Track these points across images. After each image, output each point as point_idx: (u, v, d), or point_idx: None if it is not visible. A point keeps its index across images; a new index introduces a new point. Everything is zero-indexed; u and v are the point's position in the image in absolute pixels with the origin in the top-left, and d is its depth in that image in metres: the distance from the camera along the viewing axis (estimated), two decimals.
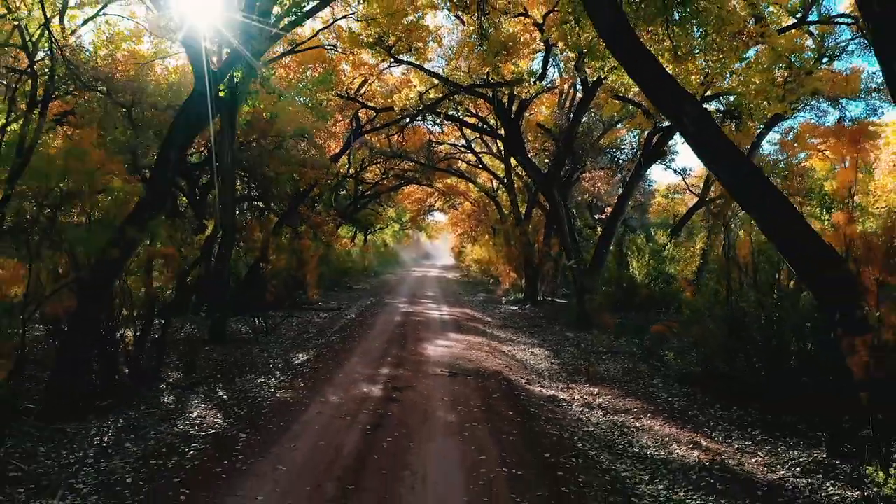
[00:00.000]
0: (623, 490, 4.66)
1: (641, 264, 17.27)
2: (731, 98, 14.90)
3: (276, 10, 8.02)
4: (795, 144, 21.25)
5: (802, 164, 20.79)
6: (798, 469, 5.04)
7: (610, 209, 18.60)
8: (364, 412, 6.59)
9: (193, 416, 6.76)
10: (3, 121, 12.24)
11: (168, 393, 7.75)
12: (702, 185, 21.57)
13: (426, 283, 30.97)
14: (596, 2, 5.71)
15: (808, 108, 18.90)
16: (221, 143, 10.38)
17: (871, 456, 4.51)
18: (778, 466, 5.15)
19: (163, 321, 8.72)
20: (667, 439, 5.92)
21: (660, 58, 9.19)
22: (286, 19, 8.04)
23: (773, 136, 22.26)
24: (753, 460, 5.32)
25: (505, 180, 21.30)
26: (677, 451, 5.59)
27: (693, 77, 9.44)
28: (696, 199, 21.62)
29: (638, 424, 6.45)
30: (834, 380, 5.72)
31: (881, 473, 4.32)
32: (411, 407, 6.79)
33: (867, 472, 4.46)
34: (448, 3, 12.77)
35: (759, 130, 17.68)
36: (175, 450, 5.57)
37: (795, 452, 5.43)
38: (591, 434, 6.12)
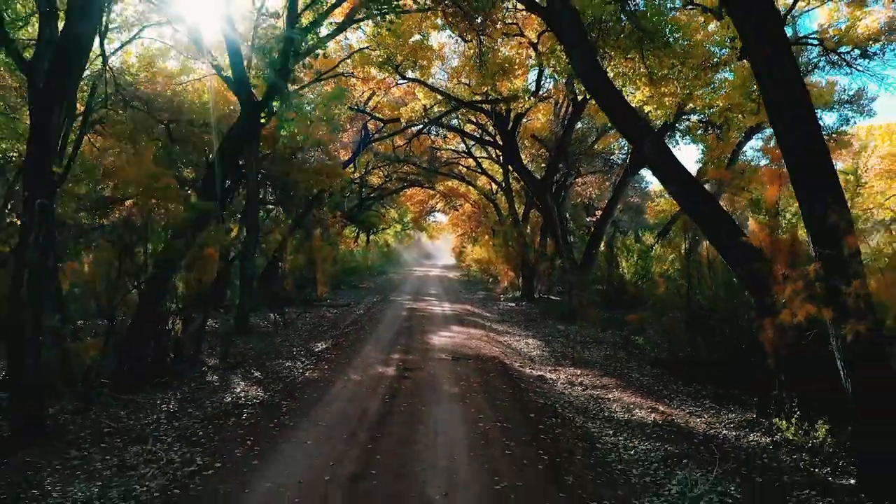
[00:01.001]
0: (590, 439, 5.97)
1: (630, 263, 18.54)
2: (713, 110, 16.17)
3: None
4: (777, 151, 22.57)
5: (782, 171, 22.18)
6: (731, 425, 6.35)
7: (600, 212, 19.86)
8: (382, 386, 7.89)
9: (237, 390, 8.05)
10: None
11: (210, 374, 9.04)
12: None
13: (428, 281, 32.23)
14: (573, 51, 6.99)
15: None
16: (248, 157, 11.66)
17: (779, 410, 5.81)
18: (716, 424, 6.45)
19: (193, 315, 10.02)
20: (632, 406, 7.22)
21: (637, 81, 10.53)
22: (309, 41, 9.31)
23: (758, 143, 23.63)
24: (698, 420, 6.62)
25: (503, 184, 22.59)
26: (639, 414, 6.89)
27: (667, 99, 10.73)
28: None
29: (610, 396, 7.75)
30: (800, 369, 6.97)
31: (784, 422, 5.61)
32: (421, 382, 8.09)
33: (775, 422, 5.76)
34: (450, 25, 14.03)
35: (739, 139, 18.99)
36: (231, 413, 6.87)
37: (733, 415, 6.74)
38: (570, 403, 7.41)
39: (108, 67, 10.69)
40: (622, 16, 9.37)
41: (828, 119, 20.22)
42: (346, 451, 5.41)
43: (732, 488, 4.71)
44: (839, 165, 29.56)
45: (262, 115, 7.65)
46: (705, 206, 6.50)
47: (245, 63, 9.02)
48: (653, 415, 6.82)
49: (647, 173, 29.10)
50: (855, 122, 19.04)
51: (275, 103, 7.62)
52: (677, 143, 18.01)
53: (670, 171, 6.63)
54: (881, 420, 4.42)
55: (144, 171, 7.86)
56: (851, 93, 18.25)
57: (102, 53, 11.04)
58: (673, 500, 4.54)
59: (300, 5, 8.19)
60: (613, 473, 5.07)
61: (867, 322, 4.14)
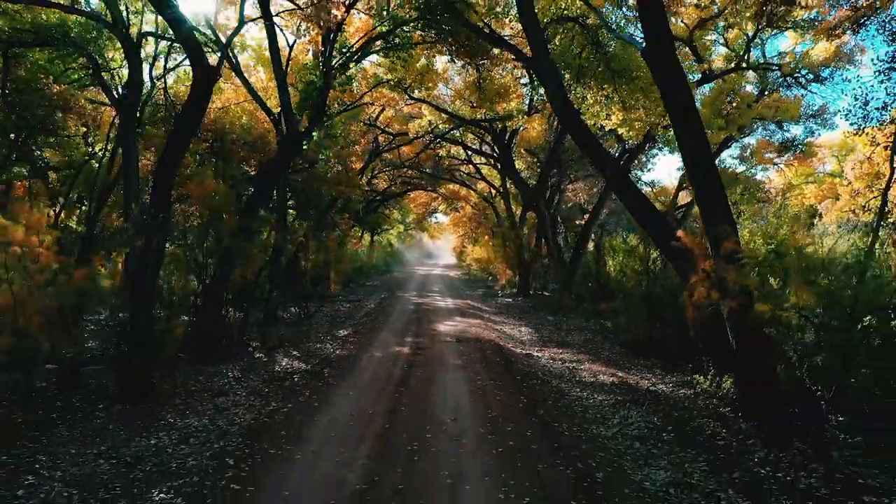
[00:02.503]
0: (561, 392, 7.94)
1: (616, 262, 20.51)
2: None
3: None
4: (753, 158, 24.71)
5: (758, 177, 24.35)
6: (670, 384, 8.32)
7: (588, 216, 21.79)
8: (400, 360, 9.87)
9: (283, 363, 10.01)
10: (100, 147, 15.66)
11: (257, 353, 10.99)
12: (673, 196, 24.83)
13: (431, 280, 34.21)
14: (550, 94, 8.94)
15: (760, 128, 22.23)
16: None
17: (699, 370, 7.79)
18: (658, 384, 8.42)
19: (236, 305, 11.98)
20: (597, 373, 9.20)
21: (612, 107, 12.50)
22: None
23: (737, 151, 25.65)
24: (645, 381, 8.60)
25: (501, 190, 24.55)
26: (601, 378, 8.87)
27: (637, 123, 12.68)
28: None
29: (582, 367, 9.72)
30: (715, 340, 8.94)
31: (701, 378, 7.59)
32: (432, 357, 10.08)
33: (696, 378, 7.74)
34: (453, 55, 15.99)
35: (714, 150, 20.94)
36: (285, 378, 8.84)
37: (674, 378, 8.71)
38: (550, 371, 9.39)
39: (163, 93, 12.74)
40: (597, 55, 11.33)
41: (795, 131, 22.08)
42: (380, 398, 7.40)
43: (656, 419, 6.69)
44: (828, 167, 31.57)
45: (305, 143, 9.58)
46: (653, 216, 8.44)
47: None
48: (612, 378, 8.80)
49: (637, 179, 31.06)
50: (819, 135, 20.99)
51: (314, 133, 9.55)
52: (656, 154, 19.88)
53: (626, 189, 8.57)
54: (756, 393, 6.41)
55: (208, 186, 9.82)
56: (816, 108, 20.15)
57: (152, 82, 13.06)
58: (613, 426, 6.52)
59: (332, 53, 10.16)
60: (574, 411, 7.05)
61: (738, 300, 6.10)
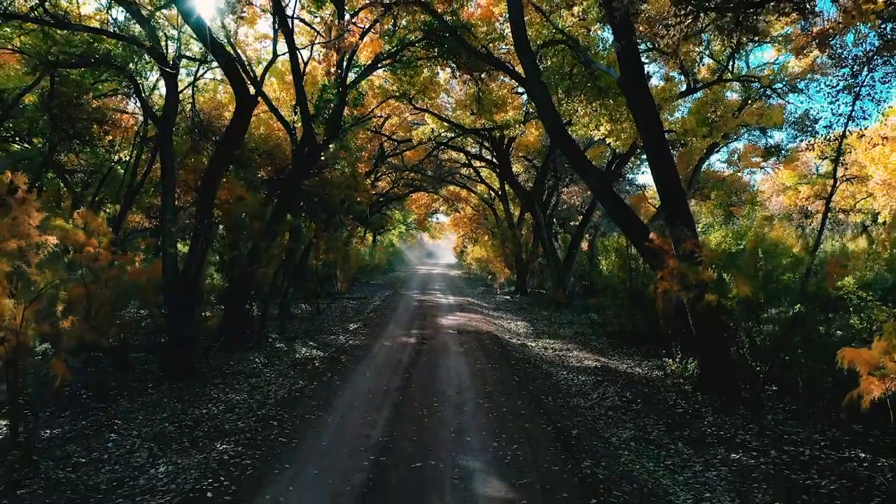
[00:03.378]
0: (550, 373, 9.11)
1: (609, 261, 21.68)
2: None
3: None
4: (740, 162, 25.90)
5: (745, 179, 25.58)
6: (645, 368, 9.49)
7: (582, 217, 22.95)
8: (408, 348, 11.04)
9: (303, 351, 11.18)
10: (125, 153, 16.81)
11: (276, 343, 12.16)
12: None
13: (432, 278, 35.37)
14: (541, 108, 10.10)
15: (746, 133, 23.44)
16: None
17: (669, 354, 8.95)
18: (635, 367, 9.59)
19: (256, 300, 13.13)
20: (583, 359, 10.37)
21: (601, 118, 13.67)
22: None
23: (725, 155, 26.89)
24: (624, 365, 9.77)
25: (499, 192, 25.72)
26: (586, 363, 10.04)
27: (623, 134, 13.84)
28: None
29: (571, 355, 10.89)
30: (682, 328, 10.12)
31: (671, 360, 8.75)
32: (436, 345, 11.24)
33: (666, 361, 8.90)
34: (454, 65, 17.12)
35: (702, 155, 22.12)
36: (307, 363, 10.01)
37: (650, 363, 9.88)
38: (541, 358, 10.56)
39: (195, 108, 13.91)
40: (586, 73, 12.49)
41: (779, 136, 23.14)
42: (393, 378, 8.57)
43: (628, 394, 7.86)
44: (823, 168, 32.77)
45: (323, 155, 10.71)
46: (632, 220, 9.60)
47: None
48: (595, 363, 9.98)
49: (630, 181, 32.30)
50: (801, 140, 22.11)
51: (331, 146, 10.68)
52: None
53: (609, 198, 9.74)
54: (712, 370, 7.56)
55: (237, 193, 10.99)
56: (797, 115, 21.28)
57: (175, 96, 14.19)
58: (592, 399, 7.69)
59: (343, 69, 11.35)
60: (559, 387, 8.22)
61: (694, 293, 7.26)
